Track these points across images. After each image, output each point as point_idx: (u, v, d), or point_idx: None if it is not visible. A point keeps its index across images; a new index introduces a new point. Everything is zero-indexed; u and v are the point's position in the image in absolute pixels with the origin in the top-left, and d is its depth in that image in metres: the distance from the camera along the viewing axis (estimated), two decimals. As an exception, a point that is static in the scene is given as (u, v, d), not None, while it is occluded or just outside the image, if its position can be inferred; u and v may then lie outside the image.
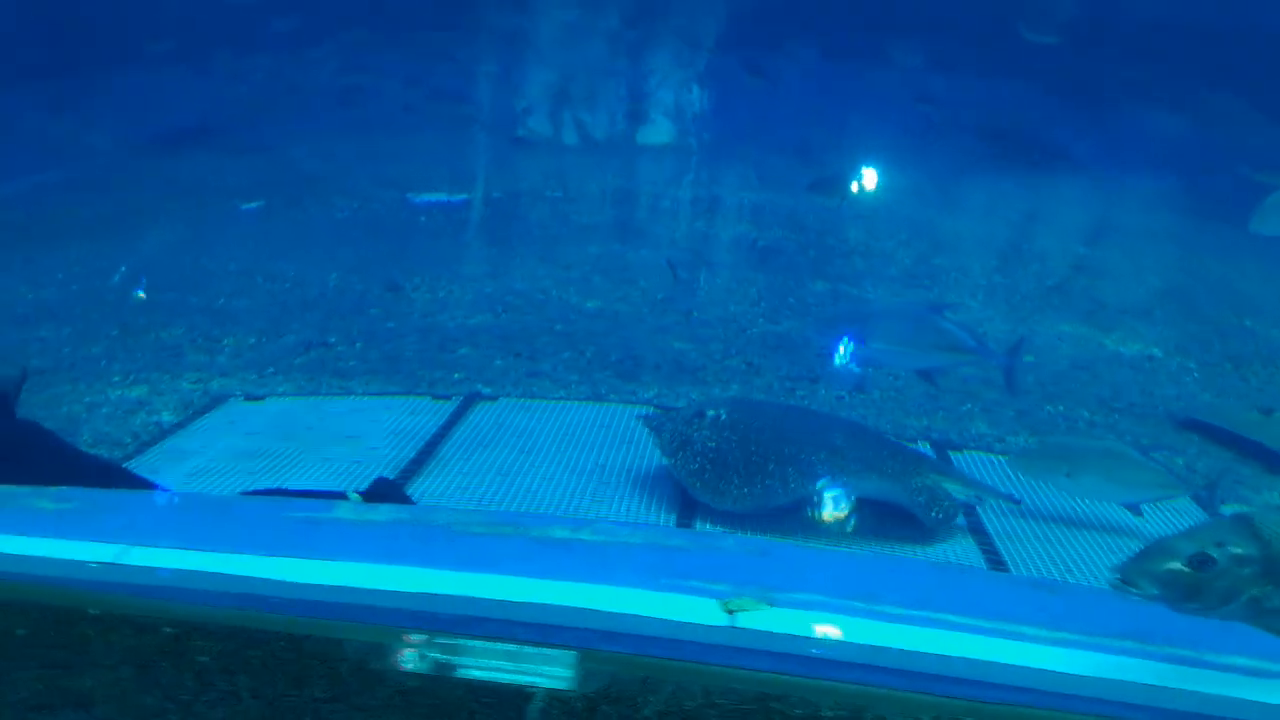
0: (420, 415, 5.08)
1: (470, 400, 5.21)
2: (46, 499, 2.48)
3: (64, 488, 2.61)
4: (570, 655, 1.73)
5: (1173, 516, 4.17)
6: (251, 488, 4.02)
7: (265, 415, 5.00)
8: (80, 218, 8.78)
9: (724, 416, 4.18)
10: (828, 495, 3.88)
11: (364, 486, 4.19)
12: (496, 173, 10.78)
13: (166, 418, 4.92)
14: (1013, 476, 4.37)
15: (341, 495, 3.41)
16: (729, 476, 3.95)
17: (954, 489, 4.04)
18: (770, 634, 1.81)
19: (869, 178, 9.64)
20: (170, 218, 8.89)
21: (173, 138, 11.61)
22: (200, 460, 4.43)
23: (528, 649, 1.76)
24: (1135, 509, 4.11)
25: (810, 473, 3.93)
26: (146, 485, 3.24)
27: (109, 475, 3.28)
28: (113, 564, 2.05)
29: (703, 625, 1.84)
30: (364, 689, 1.78)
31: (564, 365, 5.84)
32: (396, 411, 5.11)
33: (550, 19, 13.85)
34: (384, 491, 3.53)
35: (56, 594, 1.99)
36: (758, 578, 2.00)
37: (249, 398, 5.18)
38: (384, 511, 2.49)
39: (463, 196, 10.07)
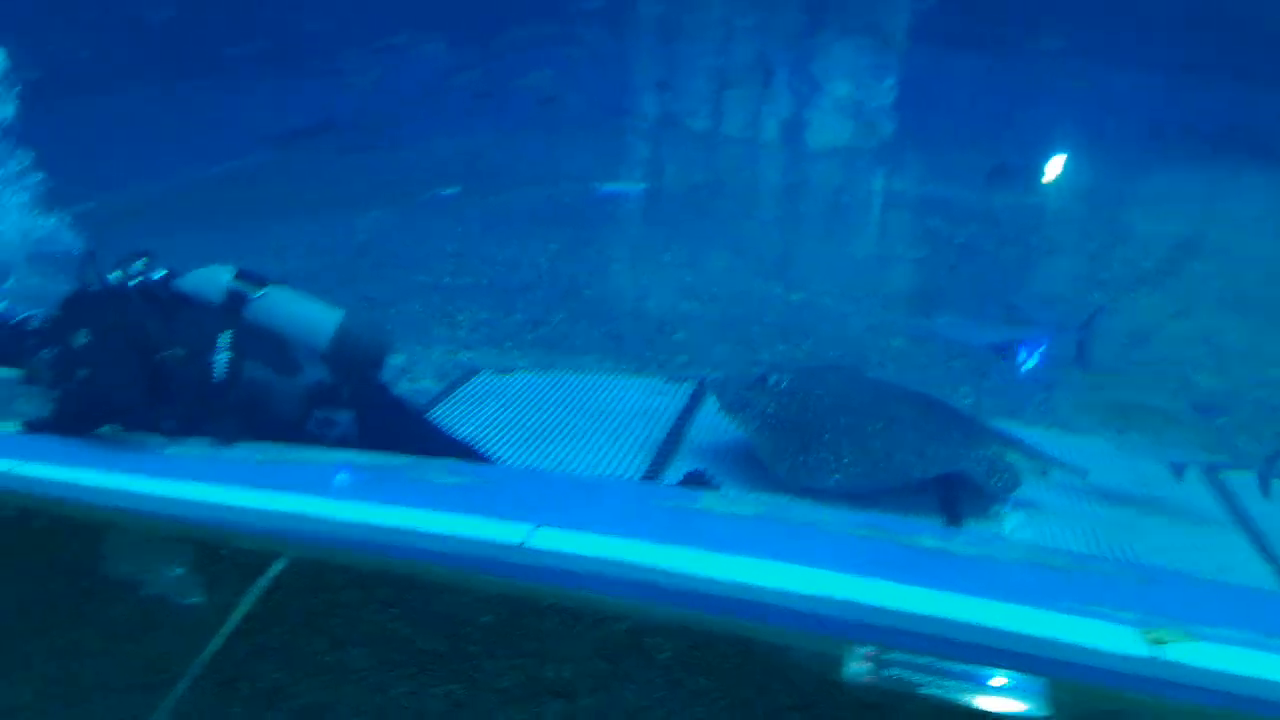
0: (660, 396, 5.30)
1: (705, 385, 5.42)
2: (442, 471, 2.69)
3: (450, 460, 2.86)
4: (1039, 683, 1.75)
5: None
6: (517, 458, 4.29)
7: (515, 388, 5.30)
8: (302, 199, 9.44)
9: (785, 384, 4.26)
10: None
11: (623, 464, 4.46)
12: (673, 166, 11.03)
13: (428, 384, 5.31)
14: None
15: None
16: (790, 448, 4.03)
17: (1017, 459, 4.06)
18: (1201, 669, 1.82)
19: (1054, 167, 9.50)
20: (378, 202, 9.46)
21: (346, 132, 12.30)
22: (469, 428, 4.78)
23: (989, 671, 1.80)
24: (1180, 471, 4.08)
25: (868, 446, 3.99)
26: (480, 457, 3.50)
27: (447, 443, 3.51)
28: (550, 552, 2.17)
29: (1133, 656, 1.87)
30: (825, 699, 1.79)
31: (782, 356, 6.00)
32: (636, 391, 5.35)
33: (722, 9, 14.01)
34: (699, 482, 3.69)
35: (500, 582, 2.07)
36: (1157, 605, 2.04)
37: (499, 371, 5.52)
38: (748, 504, 2.64)
39: (643, 187, 10.34)
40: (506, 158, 11.42)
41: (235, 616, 1.91)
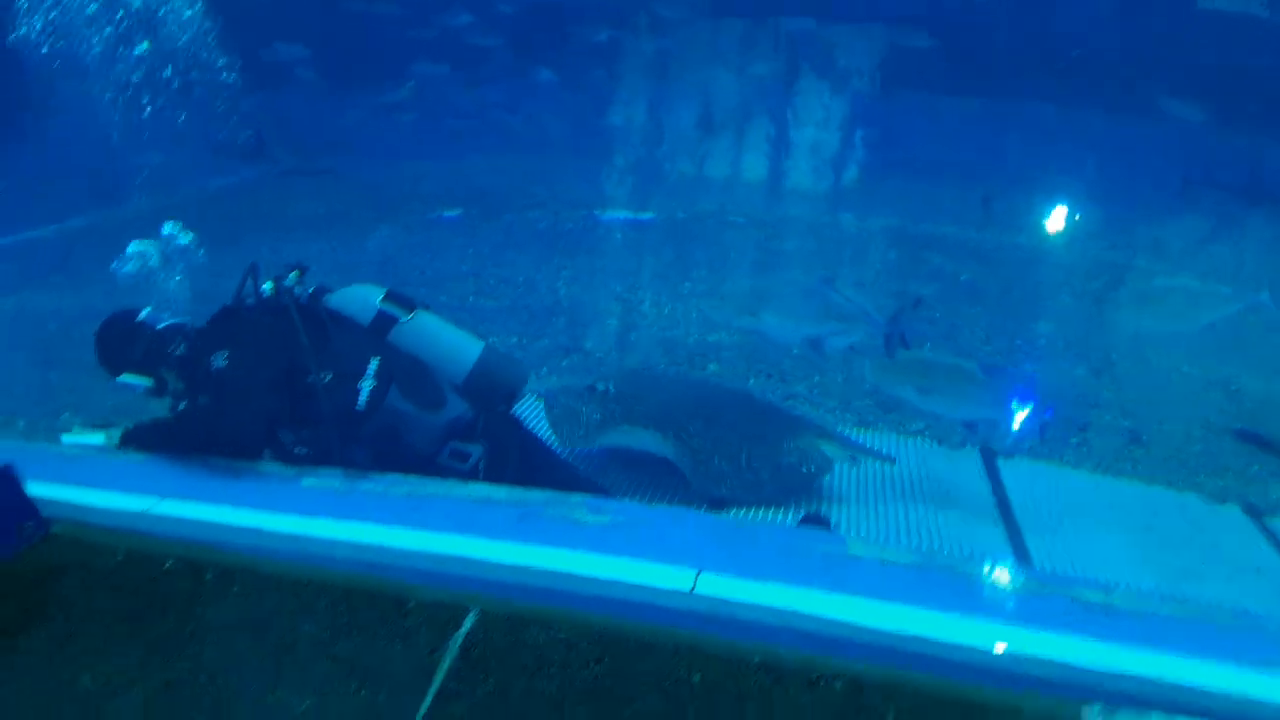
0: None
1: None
2: (583, 510, 2.54)
3: (593, 498, 2.75)
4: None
5: None
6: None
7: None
8: (302, 215, 9.24)
9: (611, 390, 4.35)
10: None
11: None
12: (672, 196, 11.03)
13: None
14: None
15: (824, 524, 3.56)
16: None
17: (829, 449, 4.33)
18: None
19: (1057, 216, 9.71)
20: (384, 220, 9.30)
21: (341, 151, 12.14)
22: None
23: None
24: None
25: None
26: (601, 489, 3.39)
27: (573, 477, 3.40)
28: (721, 600, 2.08)
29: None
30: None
31: (818, 390, 5.98)
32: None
33: (712, 54, 14.17)
34: (815, 523, 3.64)
35: (668, 631, 1.97)
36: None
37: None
38: (900, 553, 2.56)
39: (649, 216, 10.32)
40: (499, 181, 11.35)
41: (439, 674, 1.80)
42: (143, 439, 2.74)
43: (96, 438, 2.78)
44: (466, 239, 8.97)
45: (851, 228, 10.38)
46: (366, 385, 2.80)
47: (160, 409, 2.97)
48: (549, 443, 3.87)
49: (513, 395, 3.23)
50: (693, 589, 2.22)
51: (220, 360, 2.69)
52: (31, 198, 9.65)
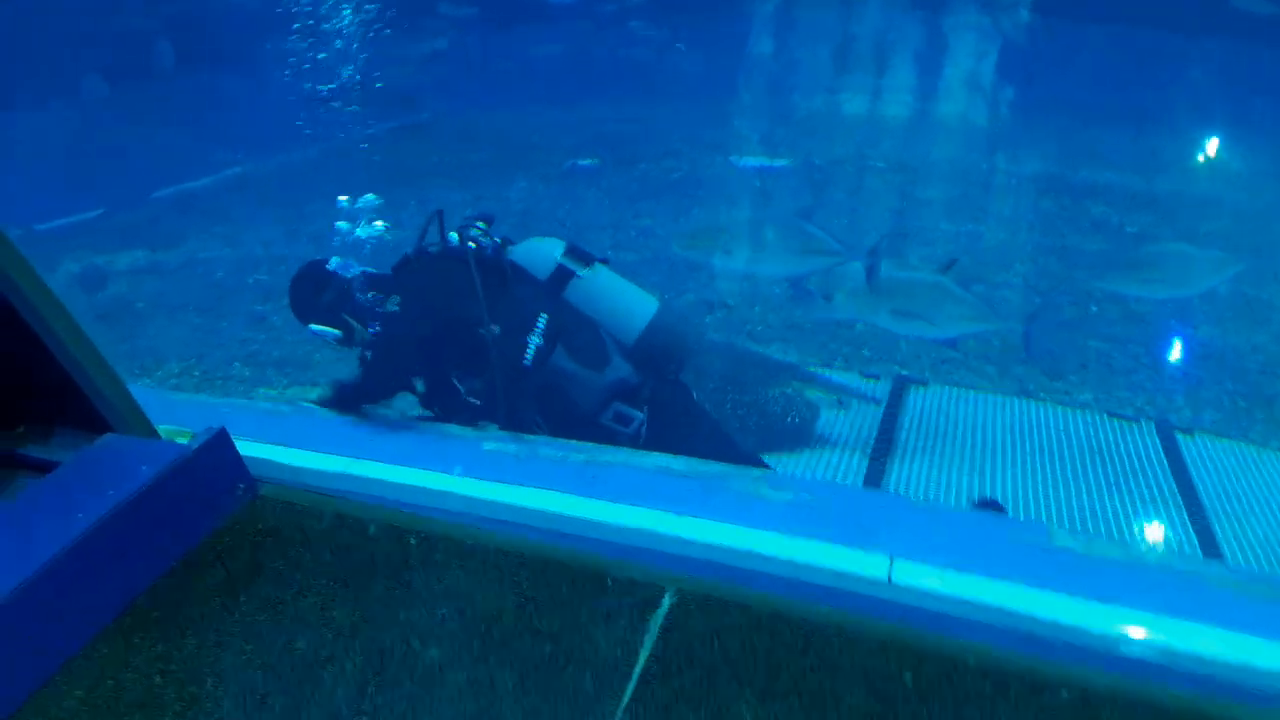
0: (858, 394, 5.09)
1: (902, 383, 5.16)
2: (766, 485, 2.44)
3: (774, 473, 2.67)
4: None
5: None
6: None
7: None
8: (446, 165, 9.35)
9: None
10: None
11: (843, 463, 4.26)
12: (807, 139, 10.67)
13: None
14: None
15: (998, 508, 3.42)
16: None
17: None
18: None
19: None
20: (522, 170, 9.33)
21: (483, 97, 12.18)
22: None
23: None
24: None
25: None
26: (759, 462, 3.31)
27: (738, 451, 3.34)
28: (921, 591, 1.99)
29: None
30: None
31: (975, 355, 5.71)
32: (833, 382, 5.15)
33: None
34: (994, 509, 3.49)
35: (867, 622, 1.83)
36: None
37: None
38: (1108, 546, 2.39)
39: (784, 162, 10.02)
40: (634, 129, 11.20)
41: (641, 657, 1.74)
42: (338, 397, 2.81)
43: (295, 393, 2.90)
44: (603, 189, 8.92)
45: (1003, 173, 9.84)
46: (533, 341, 2.81)
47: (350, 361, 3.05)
48: (714, 414, 3.80)
49: (684, 357, 3.17)
50: (889, 578, 2.11)
51: (391, 305, 2.76)
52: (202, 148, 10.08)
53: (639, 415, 2.93)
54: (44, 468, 1.73)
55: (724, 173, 9.56)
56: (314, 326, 2.97)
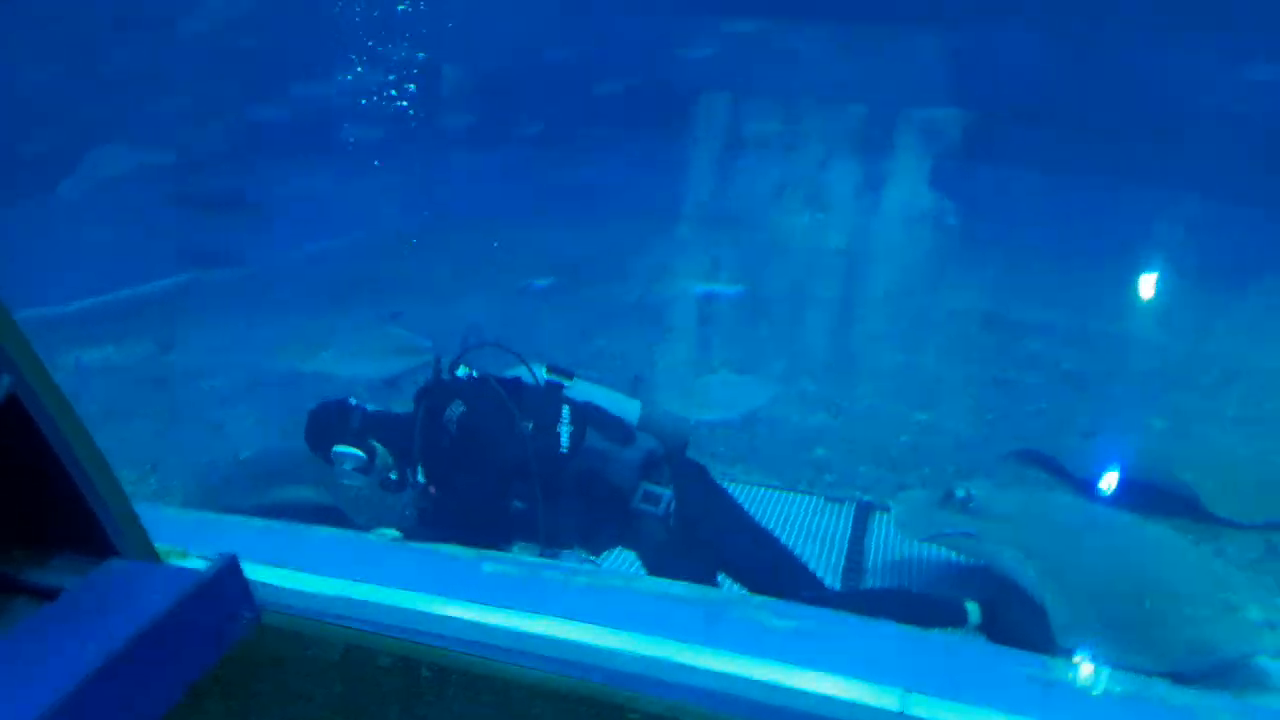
0: (823, 516, 5.12)
1: (866, 509, 5.22)
2: (767, 612, 2.56)
3: (780, 601, 2.65)
4: None
5: None
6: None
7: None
8: (400, 278, 9.40)
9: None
10: None
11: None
12: (757, 268, 11.01)
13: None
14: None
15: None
16: None
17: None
18: None
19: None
20: (478, 287, 9.42)
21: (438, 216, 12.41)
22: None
23: None
24: None
25: None
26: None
27: (756, 530, 3.47)
28: None
29: None
30: None
31: (930, 482, 5.81)
32: (797, 508, 5.18)
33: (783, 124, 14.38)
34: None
35: None
36: None
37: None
38: (1127, 682, 2.36)
39: (736, 289, 10.30)
40: (583, 251, 11.44)
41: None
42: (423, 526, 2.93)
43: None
44: (556, 309, 9.03)
45: (940, 308, 10.25)
46: (565, 429, 3.00)
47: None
48: (732, 493, 3.86)
49: (688, 434, 3.40)
50: (901, 710, 2.08)
51: (458, 409, 2.94)
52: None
53: (666, 493, 3.07)
54: (45, 594, 1.64)
55: (676, 298, 9.78)
56: (338, 448, 3.16)
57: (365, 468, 3.32)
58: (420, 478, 3.17)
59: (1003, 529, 3.98)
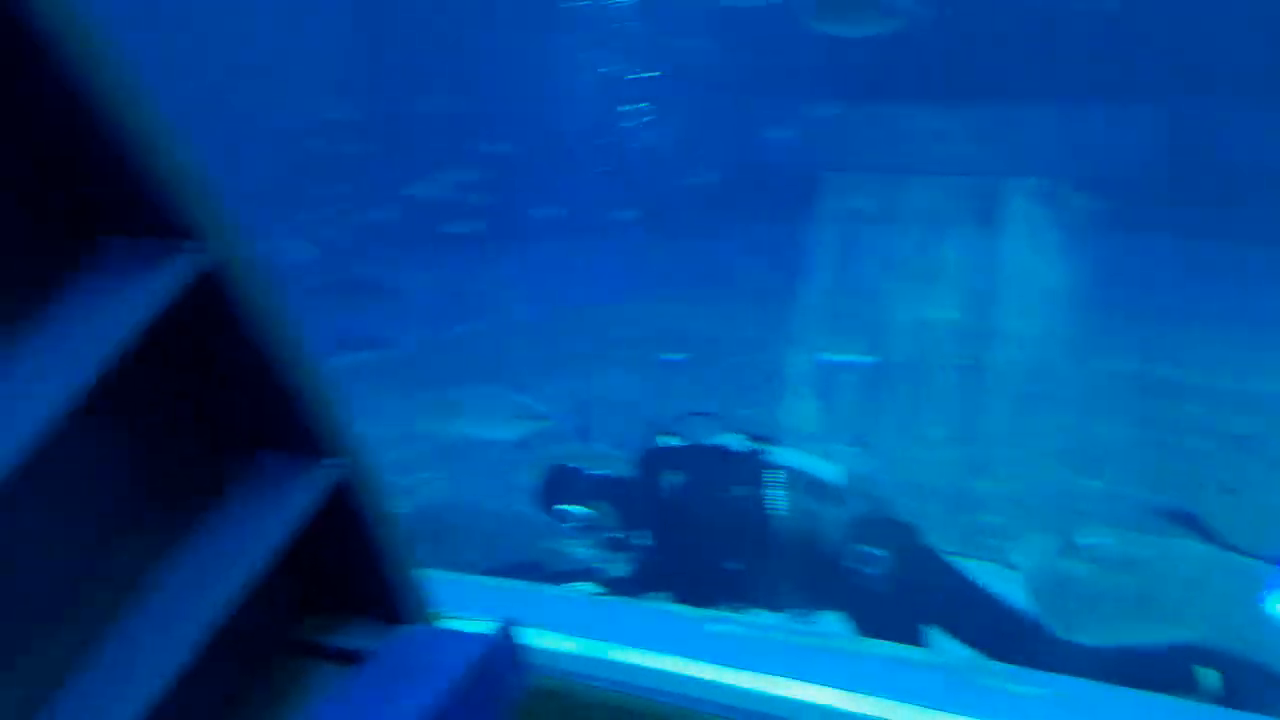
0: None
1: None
2: (1007, 678, 2.37)
3: (1016, 667, 2.58)
4: None
5: None
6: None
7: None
8: (538, 357, 9.68)
9: None
10: None
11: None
12: (886, 337, 10.87)
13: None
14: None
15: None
16: None
17: None
18: None
19: None
20: (614, 363, 9.59)
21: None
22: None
23: None
24: None
25: None
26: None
27: (985, 597, 3.45)
28: None
29: None
30: None
31: (1100, 550, 5.53)
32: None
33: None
34: None
35: None
36: None
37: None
38: None
39: (870, 359, 10.16)
40: (708, 328, 11.54)
41: None
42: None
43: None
44: (693, 382, 9.10)
45: (1090, 373, 9.86)
46: (776, 493, 3.08)
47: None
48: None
49: (891, 507, 3.41)
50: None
51: (676, 475, 3.09)
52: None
53: (878, 553, 3.08)
54: (348, 658, 1.70)
55: (809, 368, 9.71)
56: (565, 507, 3.36)
57: (589, 526, 3.58)
58: (642, 538, 3.34)
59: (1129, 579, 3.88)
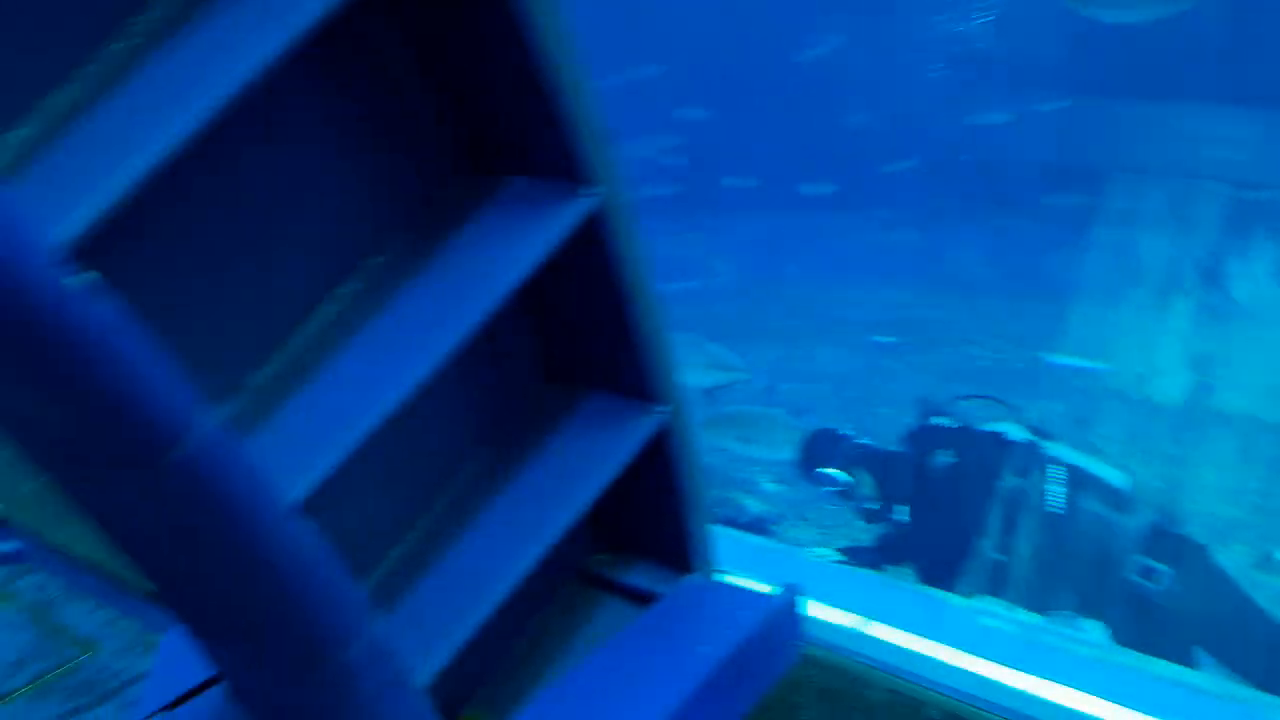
0: None
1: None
2: None
3: None
4: None
5: None
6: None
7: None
8: (751, 326, 9.68)
9: None
10: None
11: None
12: (1124, 345, 10.10)
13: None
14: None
15: None
16: None
17: None
18: None
19: None
20: (823, 340, 9.45)
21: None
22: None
23: None
24: None
25: None
26: None
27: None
28: None
29: None
30: None
31: None
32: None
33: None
34: None
35: None
36: None
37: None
38: None
39: (1102, 365, 9.50)
40: (922, 314, 11.11)
41: None
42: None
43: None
44: (906, 367, 8.83)
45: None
46: (1055, 489, 2.94)
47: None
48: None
49: (1178, 522, 3.21)
50: None
51: (945, 456, 3.03)
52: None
53: (1164, 569, 2.90)
54: (637, 597, 1.77)
55: (1032, 368, 9.19)
56: (825, 470, 3.39)
57: (847, 493, 3.57)
58: (902, 514, 3.30)
59: None
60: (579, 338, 1.59)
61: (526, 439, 1.59)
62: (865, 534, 3.88)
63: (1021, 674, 1.92)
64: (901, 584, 2.64)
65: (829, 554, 3.52)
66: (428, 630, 1.35)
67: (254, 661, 1.21)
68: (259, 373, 1.16)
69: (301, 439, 1.10)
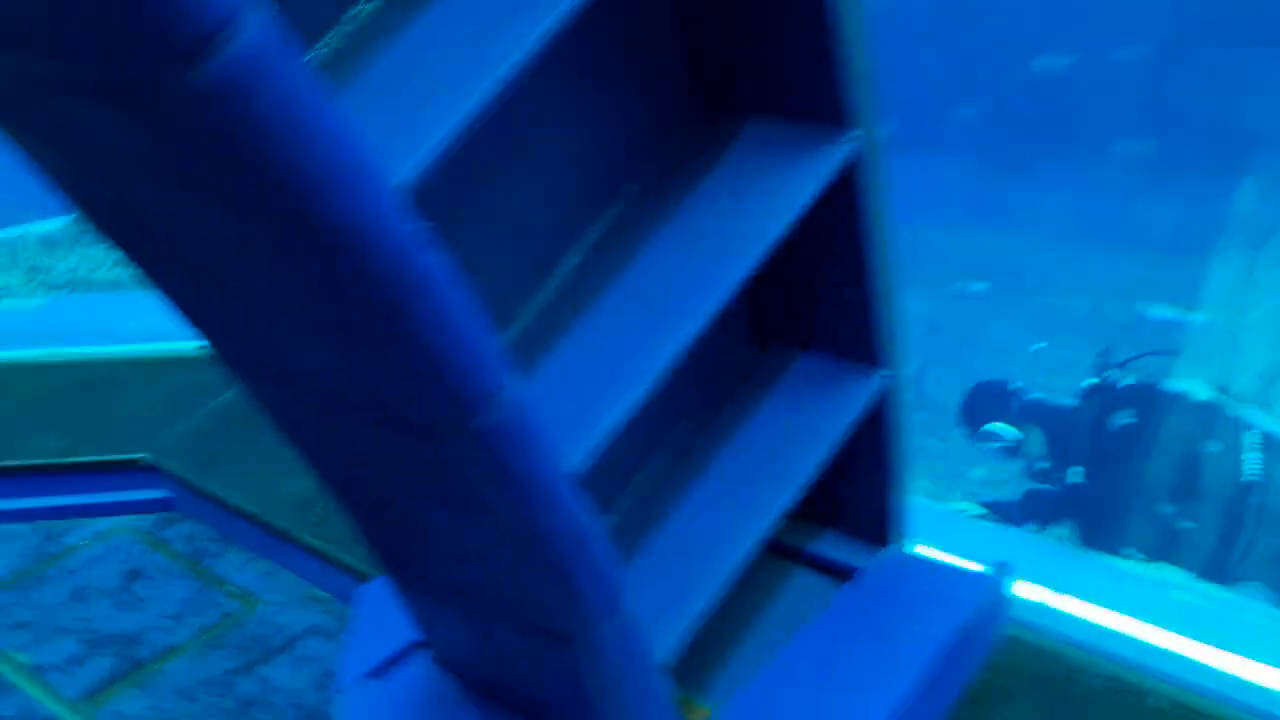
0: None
1: None
2: None
3: None
4: None
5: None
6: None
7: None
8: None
9: None
10: None
11: None
12: (1230, 297, 9.64)
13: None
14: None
15: None
16: None
17: None
18: None
19: None
20: (910, 285, 9.18)
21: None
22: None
23: None
24: None
25: None
26: None
27: None
28: None
29: None
30: None
31: None
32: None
33: None
34: None
35: None
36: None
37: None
38: None
39: (1200, 317, 9.08)
40: (1021, 260, 10.69)
41: None
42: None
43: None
44: (996, 315, 8.53)
45: None
46: (1251, 455, 2.75)
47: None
48: None
49: None
50: None
51: (1125, 416, 2.88)
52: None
53: None
54: (834, 570, 1.66)
55: (1128, 318, 8.81)
56: (991, 425, 3.23)
57: (1015, 450, 3.38)
58: (1077, 476, 3.13)
59: None
60: (796, 294, 1.46)
61: (738, 403, 1.48)
62: (1001, 489, 3.71)
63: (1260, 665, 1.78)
64: (1067, 547, 2.50)
65: (970, 508, 3.35)
66: (658, 607, 1.26)
67: (500, 634, 1.13)
68: (524, 312, 1.08)
69: (573, 405, 1.00)
